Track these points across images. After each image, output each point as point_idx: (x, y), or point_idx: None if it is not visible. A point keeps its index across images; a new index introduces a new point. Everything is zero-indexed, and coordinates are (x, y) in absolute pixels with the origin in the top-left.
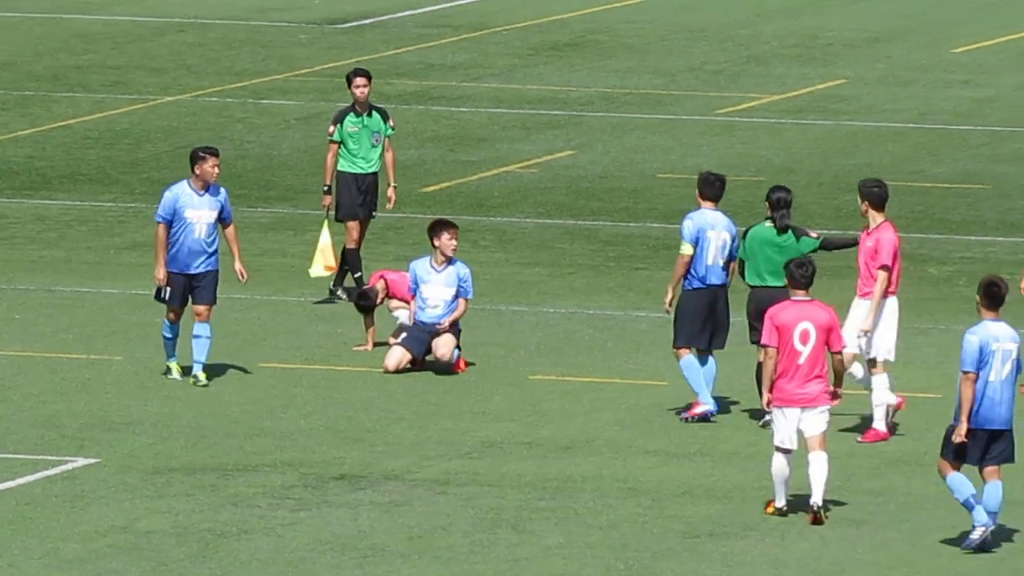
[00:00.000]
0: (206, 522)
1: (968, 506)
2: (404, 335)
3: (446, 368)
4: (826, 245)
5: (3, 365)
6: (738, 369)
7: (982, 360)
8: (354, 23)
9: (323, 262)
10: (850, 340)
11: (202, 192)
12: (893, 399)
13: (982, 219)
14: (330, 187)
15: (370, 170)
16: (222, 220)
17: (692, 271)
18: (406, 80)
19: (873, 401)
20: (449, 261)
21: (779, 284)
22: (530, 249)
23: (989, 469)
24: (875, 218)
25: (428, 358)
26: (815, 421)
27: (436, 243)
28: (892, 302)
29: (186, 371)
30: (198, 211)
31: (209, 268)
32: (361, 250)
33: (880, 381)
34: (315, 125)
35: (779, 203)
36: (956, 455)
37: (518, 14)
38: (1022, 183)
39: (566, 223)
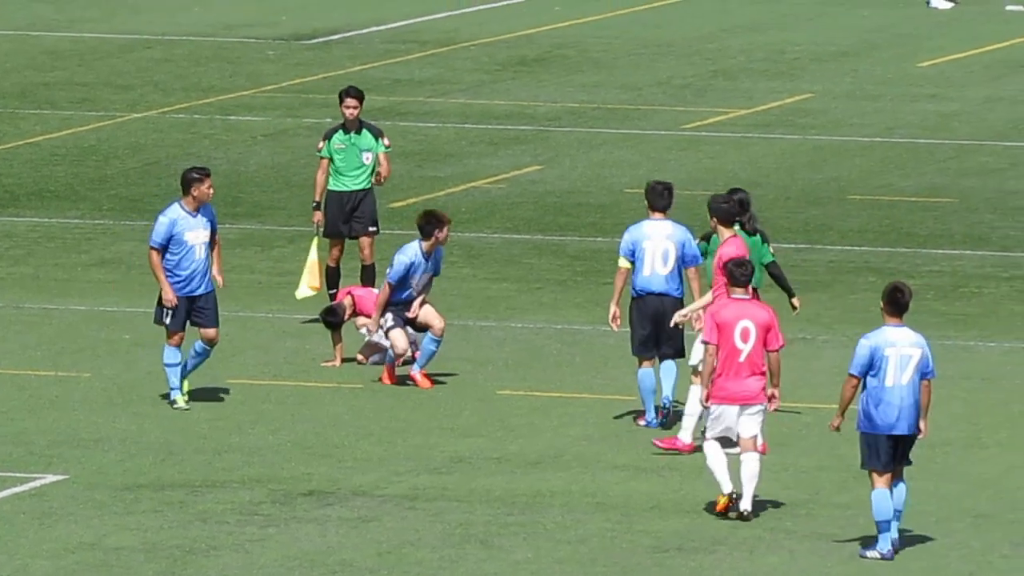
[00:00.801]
0: (175, 538)
1: (880, 528)
2: (392, 321)
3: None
4: (772, 269)
5: None
6: None
7: (873, 365)
8: (321, 39)
9: (308, 282)
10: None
11: (195, 213)
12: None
13: (949, 232)
14: (319, 203)
15: (356, 188)
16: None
17: (633, 282)
18: (373, 96)
19: (686, 410)
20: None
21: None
22: (498, 264)
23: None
24: (723, 233)
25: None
26: (750, 423)
27: (439, 236)
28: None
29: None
30: (195, 232)
31: (209, 289)
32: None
33: (695, 391)
34: (282, 141)
35: (745, 203)
36: (870, 461)
37: (485, 30)
38: (989, 196)
39: (534, 238)
